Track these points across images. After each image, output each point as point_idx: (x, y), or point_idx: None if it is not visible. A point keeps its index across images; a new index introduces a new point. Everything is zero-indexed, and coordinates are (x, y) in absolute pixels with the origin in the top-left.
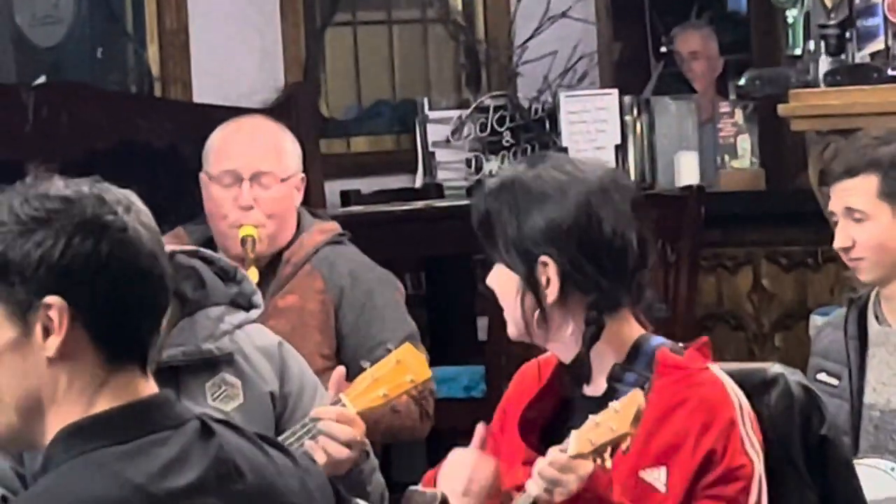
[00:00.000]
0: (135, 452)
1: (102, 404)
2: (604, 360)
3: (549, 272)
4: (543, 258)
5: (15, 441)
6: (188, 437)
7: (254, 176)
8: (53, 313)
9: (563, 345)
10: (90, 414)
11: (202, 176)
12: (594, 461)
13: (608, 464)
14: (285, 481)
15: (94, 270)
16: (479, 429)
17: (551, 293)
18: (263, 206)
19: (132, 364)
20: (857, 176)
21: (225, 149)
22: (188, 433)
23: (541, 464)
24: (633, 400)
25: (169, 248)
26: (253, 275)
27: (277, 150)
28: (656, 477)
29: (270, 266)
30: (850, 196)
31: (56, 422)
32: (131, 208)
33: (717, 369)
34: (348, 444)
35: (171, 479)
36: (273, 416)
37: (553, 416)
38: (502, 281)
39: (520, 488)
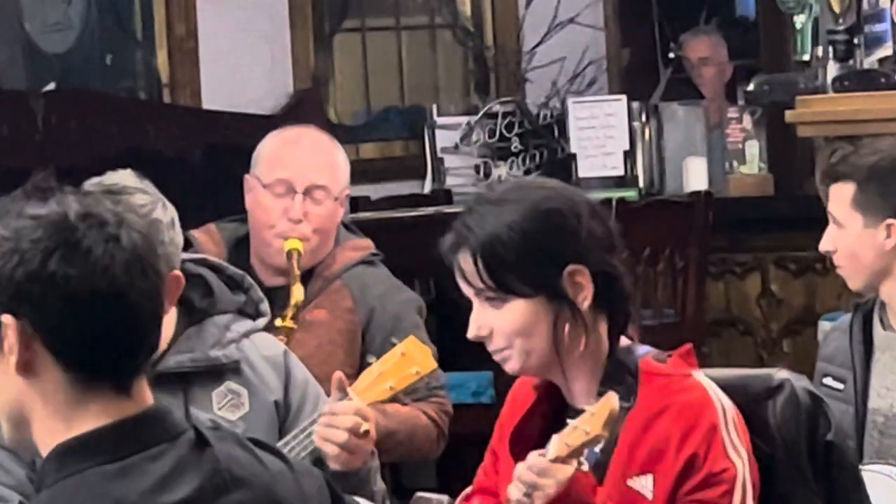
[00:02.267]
0: (126, 471)
1: (82, 423)
2: (592, 372)
3: (579, 278)
4: (571, 267)
5: (17, 444)
6: (182, 451)
7: (307, 189)
8: (9, 332)
9: (586, 357)
10: (82, 432)
11: (250, 179)
12: (574, 465)
13: (585, 467)
14: (281, 488)
15: (42, 290)
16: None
17: (586, 298)
18: (312, 221)
19: (107, 385)
20: (836, 182)
21: (281, 157)
22: (182, 446)
23: (520, 468)
24: (606, 403)
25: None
26: (298, 292)
27: (333, 165)
28: (643, 485)
29: (302, 279)
30: (831, 202)
31: (41, 435)
32: (106, 224)
33: (702, 375)
34: (355, 433)
35: (164, 495)
36: (277, 425)
37: (546, 432)
38: (517, 313)
39: None
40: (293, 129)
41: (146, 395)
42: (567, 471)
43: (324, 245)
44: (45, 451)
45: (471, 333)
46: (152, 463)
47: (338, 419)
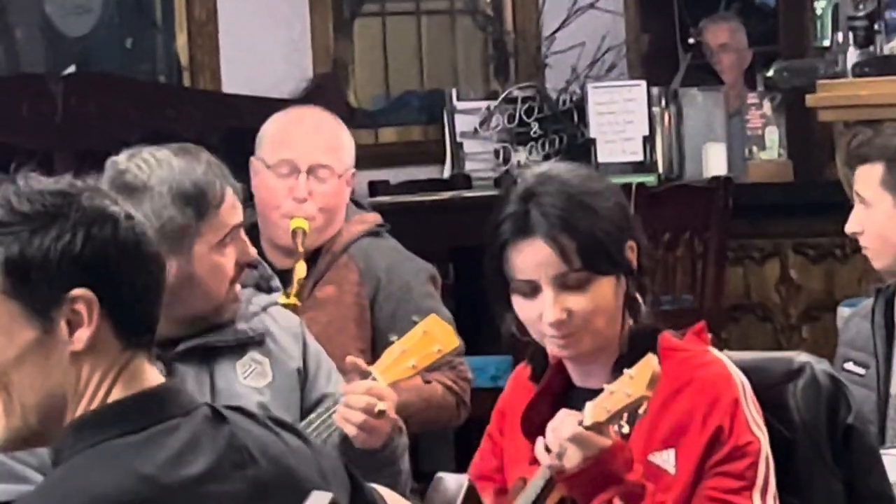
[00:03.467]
0: (144, 442)
1: (117, 393)
2: (615, 348)
3: (631, 254)
4: (631, 242)
5: (27, 443)
6: (198, 425)
7: (311, 168)
8: (80, 306)
9: (619, 329)
10: (98, 405)
11: (255, 162)
12: (612, 430)
13: (626, 429)
14: (299, 465)
15: (116, 258)
16: None
17: (636, 272)
18: (317, 200)
19: (144, 348)
20: (865, 163)
21: (285, 138)
22: (198, 420)
23: (551, 427)
24: (647, 364)
25: None
26: (301, 269)
27: (337, 144)
28: (665, 459)
29: (311, 258)
30: (859, 182)
31: (75, 414)
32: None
33: (717, 351)
34: (370, 413)
35: (182, 467)
36: (300, 392)
37: (552, 414)
38: (601, 292)
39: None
40: (296, 110)
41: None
42: (602, 440)
43: (330, 224)
44: None
45: (554, 317)
46: (169, 436)
47: (352, 399)
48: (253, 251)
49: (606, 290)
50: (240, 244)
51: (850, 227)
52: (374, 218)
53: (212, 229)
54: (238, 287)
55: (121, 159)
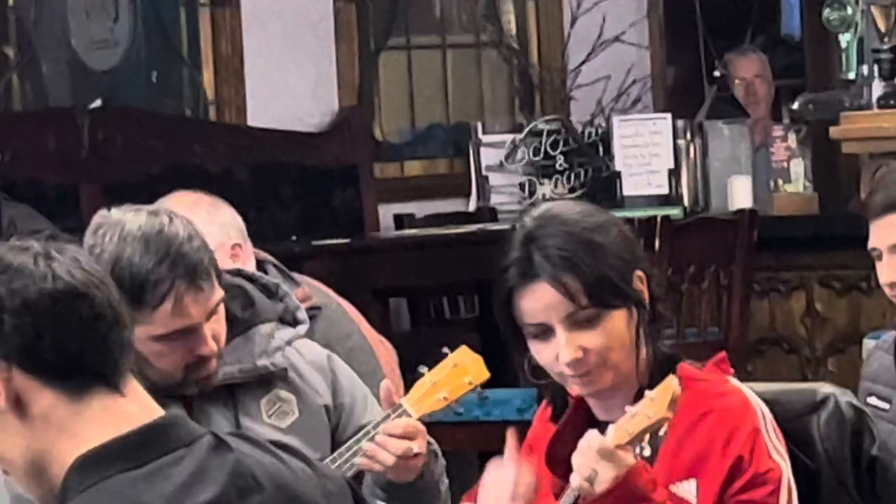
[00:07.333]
0: (150, 475)
1: (91, 430)
2: (635, 380)
3: (640, 284)
4: (638, 272)
5: (44, 499)
6: (203, 454)
7: None
8: None
9: (637, 364)
10: (100, 443)
11: None
12: (634, 452)
13: (647, 451)
14: (305, 489)
15: None
16: (511, 437)
17: (647, 303)
18: None
19: (99, 386)
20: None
21: None
22: (202, 450)
23: (581, 446)
24: (667, 386)
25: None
26: None
27: None
28: (687, 489)
29: None
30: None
31: (60, 464)
32: (34, 247)
33: (738, 382)
34: (402, 455)
35: (190, 498)
36: (329, 429)
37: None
38: (613, 326)
39: None
40: None
41: (145, 399)
42: (629, 459)
43: None
44: None
45: (570, 356)
46: (174, 467)
47: (390, 443)
48: (209, 346)
49: (619, 323)
50: (192, 341)
51: (889, 278)
52: (304, 296)
53: (146, 323)
54: (211, 363)
55: (88, 233)
